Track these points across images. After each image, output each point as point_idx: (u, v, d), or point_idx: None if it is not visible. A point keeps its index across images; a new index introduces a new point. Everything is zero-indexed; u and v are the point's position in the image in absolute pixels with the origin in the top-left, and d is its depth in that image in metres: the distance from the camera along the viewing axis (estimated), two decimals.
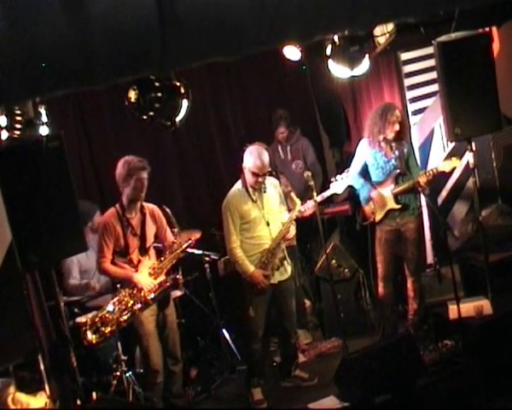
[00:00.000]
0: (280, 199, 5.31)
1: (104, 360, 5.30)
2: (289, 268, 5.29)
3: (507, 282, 5.59)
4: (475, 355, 4.67)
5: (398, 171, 5.33)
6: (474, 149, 5.17)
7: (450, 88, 4.90)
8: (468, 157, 5.25)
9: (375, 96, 6.39)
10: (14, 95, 2.90)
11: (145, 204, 4.96)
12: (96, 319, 4.72)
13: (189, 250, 5.48)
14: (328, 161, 7.12)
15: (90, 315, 4.88)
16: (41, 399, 4.12)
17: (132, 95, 3.96)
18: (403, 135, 5.34)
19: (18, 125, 4.00)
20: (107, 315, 4.73)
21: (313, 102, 7.06)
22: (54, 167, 3.93)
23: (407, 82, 6.25)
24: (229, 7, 2.98)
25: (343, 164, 6.37)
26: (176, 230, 4.92)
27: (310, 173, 5.21)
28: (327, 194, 5.45)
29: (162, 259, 4.93)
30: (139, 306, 4.78)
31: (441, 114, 5.36)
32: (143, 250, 4.91)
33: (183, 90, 4.04)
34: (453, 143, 5.99)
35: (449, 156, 5.69)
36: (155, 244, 5.08)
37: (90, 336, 4.68)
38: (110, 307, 4.74)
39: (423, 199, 5.45)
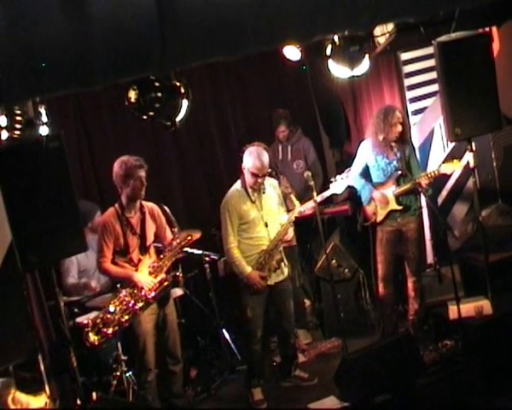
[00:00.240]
0: (279, 200, 5.30)
1: (104, 360, 5.30)
2: (286, 270, 5.28)
3: (507, 282, 5.59)
4: (475, 355, 4.67)
5: (399, 172, 5.33)
6: (474, 149, 5.17)
7: (450, 88, 4.90)
8: (468, 157, 5.25)
9: (375, 96, 6.39)
10: (14, 95, 2.91)
11: (144, 203, 4.96)
12: (98, 321, 4.72)
13: (189, 250, 5.49)
14: (328, 161, 7.12)
15: (91, 316, 4.89)
16: (41, 399, 4.12)
17: (132, 95, 3.96)
18: (404, 136, 5.35)
19: (18, 125, 4.00)
20: (108, 316, 4.73)
21: (313, 102, 7.07)
22: (54, 167, 3.93)
23: (407, 82, 6.25)
24: (229, 7, 2.98)
25: (343, 164, 6.37)
26: (175, 229, 4.92)
27: (310, 173, 5.21)
28: (326, 194, 5.45)
29: (161, 257, 4.93)
30: (140, 305, 4.78)
31: (441, 114, 5.36)
32: (143, 249, 4.91)
33: (183, 90, 4.04)
34: (453, 143, 5.99)
35: (450, 158, 5.68)
36: (156, 244, 5.08)
37: (93, 337, 4.68)
38: (111, 308, 4.74)
39: (424, 199, 5.45)
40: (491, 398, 4.41)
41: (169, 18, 2.84)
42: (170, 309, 5.04)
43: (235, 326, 5.89)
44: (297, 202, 5.24)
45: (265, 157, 5.03)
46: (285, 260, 5.27)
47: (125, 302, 4.77)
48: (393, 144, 5.26)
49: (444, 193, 6.35)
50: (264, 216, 5.12)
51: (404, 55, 6.21)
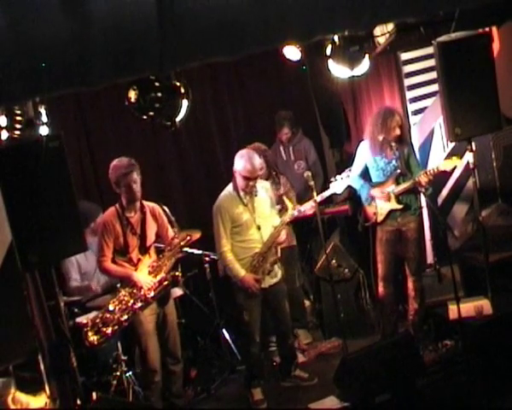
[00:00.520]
0: (271, 202, 5.27)
1: (104, 360, 5.30)
2: (279, 272, 5.26)
3: (507, 282, 5.59)
4: (475, 355, 4.67)
5: (398, 171, 5.33)
6: (474, 149, 5.17)
7: (450, 88, 4.90)
8: (468, 157, 5.25)
9: (375, 96, 6.39)
10: (14, 95, 2.91)
11: (145, 203, 4.96)
12: (97, 320, 4.72)
13: (189, 250, 5.49)
14: (328, 161, 7.12)
15: (90, 316, 4.89)
16: (41, 399, 4.11)
17: (132, 95, 3.96)
18: (403, 136, 5.34)
19: (18, 125, 4.00)
20: (107, 315, 4.73)
21: (313, 102, 7.07)
22: (54, 167, 3.92)
23: (407, 82, 6.25)
24: (228, 7, 2.98)
25: (343, 164, 6.37)
26: (175, 229, 4.91)
27: (310, 173, 5.21)
28: (326, 194, 5.46)
29: (161, 256, 4.93)
30: (139, 304, 4.79)
31: (441, 114, 5.36)
32: (143, 249, 4.91)
33: (183, 90, 4.04)
34: (453, 143, 5.99)
35: (449, 156, 5.68)
36: (157, 244, 5.07)
37: (92, 337, 4.68)
38: (110, 308, 4.74)
39: (423, 199, 5.44)
40: (492, 398, 4.41)
41: (169, 18, 2.84)
42: (170, 309, 5.04)
43: (235, 326, 5.90)
44: (290, 204, 5.23)
45: (256, 160, 5.00)
46: (278, 262, 5.24)
47: (124, 302, 4.77)
48: (392, 144, 5.26)
49: (444, 193, 6.35)
50: (257, 219, 5.09)
51: (404, 55, 6.21)
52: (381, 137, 5.27)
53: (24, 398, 4.07)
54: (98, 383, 5.24)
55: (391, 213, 5.38)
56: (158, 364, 4.94)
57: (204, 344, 6.02)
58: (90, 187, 6.30)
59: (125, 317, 4.76)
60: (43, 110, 4.18)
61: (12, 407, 4.02)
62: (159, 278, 4.86)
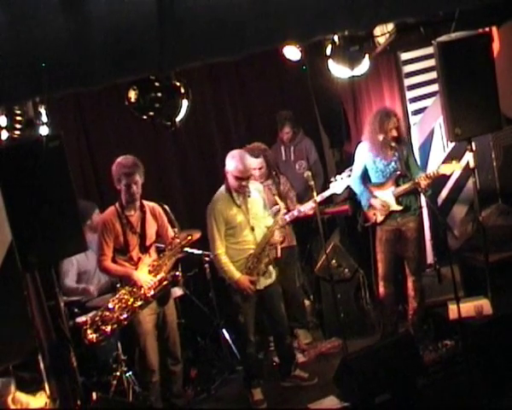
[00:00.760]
0: (264, 203, 5.26)
1: (104, 360, 5.30)
2: (274, 272, 5.25)
3: (507, 282, 5.58)
4: (475, 355, 4.67)
5: (398, 172, 5.33)
6: (474, 149, 5.17)
7: (450, 88, 4.90)
8: (468, 157, 5.25)
9: (375, 96, 6.39)
10: (14, 95, 2.91)
11: (145, 202, 4.96)
12: (97, 318, 4.72)
13: (189, 250, 5.49)
14: (328, 161, 7.13)
15: (90, 314, 4.89)
16: (41, 399, 4.11)
17: (132, 95, 3.96)
18: (401, 137, 5.34)
19: (18, 125, 4.00)
20: (107, 314, 4.73)
21: (313, 102, 7.07)
22: (54, 167, 3.92)
23: (407, 82, 6.24)
24: (228, 7, 2.98)
25: (343, 164, 6.37)
26: (175, 229, 4.91)
27: (310, 173, 5.21)
28: (326, 194, 5.46)
29: (161, 256, 4.93)
30: (139, 303, 4.78)
31: (441, 114, 5.36)
32: (143, 248, 4.91)
33: (183, 90, 4.04)
34: (453, 143, 5.99)
35: (449, 159, 5.67)
36: (157, 244, 5.07)
37: (91, 335, 4.68)
38: (110, 306, 4.75)
39: (423, 199, 5.45)
40: (492, 398, 4.41)
41: (169, 18, 2.84)
42: (170, 309, 5.04)
43: (233, 327, 5.90)
44: (282, 204, 5.23)
45: (248, 160, 4.99)
46: (273, 263, 5.23)
47: (124, 300, 4.77)
48: (392, 144, 5.26)
49: (444, 193, 6.35)
50: (251, 220, 5.08)
51: (404, 55, 6.20)
52: (381, 138, 5.27)
53: (24, 398, 4.07)
54: (98, 383, 5.24)
55: (391, 213, 5.38)
56: (156, 364, 4.94)
57: (204, 344, 6.02)
58: (90, 187, 6.30)
59: (125, 315, 4.75)
60: (43, 110, 4.18)
61: (12, 407, 4.02)
62: (159, 277, 4.86)
